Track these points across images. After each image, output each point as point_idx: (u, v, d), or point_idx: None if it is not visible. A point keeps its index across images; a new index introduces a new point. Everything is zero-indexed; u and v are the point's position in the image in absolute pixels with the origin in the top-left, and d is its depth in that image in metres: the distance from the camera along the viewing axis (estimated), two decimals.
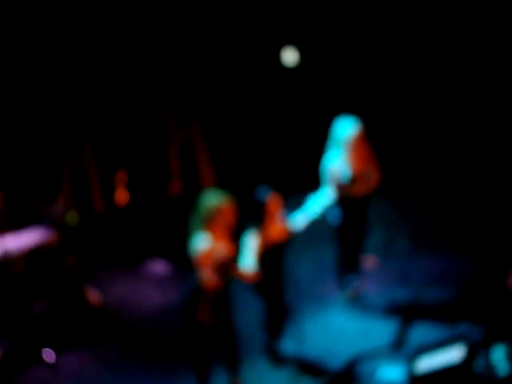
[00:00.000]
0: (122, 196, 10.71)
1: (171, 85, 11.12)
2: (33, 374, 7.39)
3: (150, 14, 10.65)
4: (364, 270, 8.30)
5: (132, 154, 10.93)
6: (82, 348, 7.73)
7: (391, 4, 11.25)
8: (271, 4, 11.24)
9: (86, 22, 10.27)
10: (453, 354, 6.13)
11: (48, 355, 7.48)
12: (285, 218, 6.99)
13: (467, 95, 11.19)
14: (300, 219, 7.14)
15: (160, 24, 10.73)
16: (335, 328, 7.58)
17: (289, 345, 7.19)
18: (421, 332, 7.21)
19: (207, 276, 6.00)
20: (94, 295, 8.37)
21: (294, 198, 7.67)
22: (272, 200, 6.83)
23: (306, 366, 7.01)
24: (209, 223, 6.03)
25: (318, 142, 8.13)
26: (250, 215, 6.83)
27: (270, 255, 6.84)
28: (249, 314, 7.35)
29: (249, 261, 6.45)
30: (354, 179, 7.62)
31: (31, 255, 7.96)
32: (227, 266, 6.05)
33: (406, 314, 7.49)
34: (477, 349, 6.21)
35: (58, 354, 7.53)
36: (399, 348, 7.01)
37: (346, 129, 7.62)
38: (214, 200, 6.09)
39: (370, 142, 7.84)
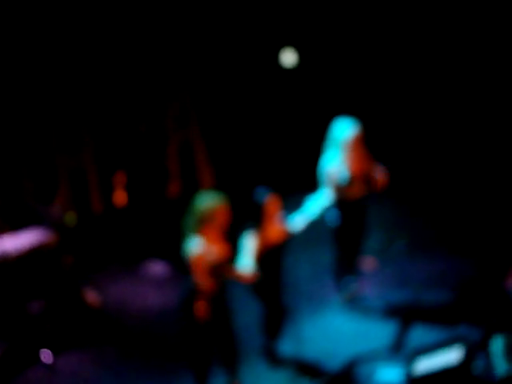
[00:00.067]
0: (120, 197, 10.70)
1: (170, 85, 11.12)
2: (31, 374, 7.38)
3: (149, 14, 10.65)
4: (363, 271, 8.30)
5: (131, 154, 10.93)
6: (80, 349, 7.72)
7: (390, 5, 11.26)
8: (270, 5, 11.25)
9: (85, 23, 10.27)
10: (451, 356, 6.13)
11: (46, 356, 7.47)
12: (283, 220, 6.99)
13: (466, 97, 11.19)
14: (298, 220, 7.14)
15: (159, 25, 10.73)
16: (333, 329, 7.58)
17: (287, 346, 7.19)
18: (419, 333, 7.20)
19: (201, 279, 6.01)
20: (92, 296, 8.36)
21: (292, 200, 7.66)
22: (271, 201, 6.83)
23: (305, 368, 7.01)
24: (203, 225, 6.04)
25: (317, 144, 8.12)
26: (248, 216, 6.83)
27: (269, 256, 6.84)
28: (247, 315, 7.34)
29: (247, 262, 6.45)
30: (352, 181, 7.62)
31: (29, 256, 7.96)
32: (221, 269, 6.05)
33: (404, 315, 7.48)
34: (475, 350, 6.21)
35: (56, 354, 7.52)
36: (398, 349, 7.01)
37: (344, 130, 7.62)
38: (208, 201, 6.09)
39: (369, 143, 7.84)
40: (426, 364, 6.14)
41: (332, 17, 11.42)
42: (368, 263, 8.53)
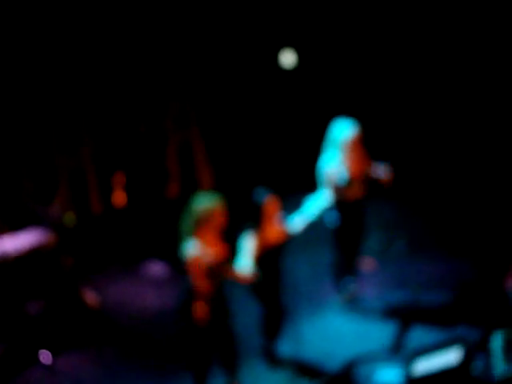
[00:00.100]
0: (119, 197, 10.70)
1: (170, 86, 11.12)
2: (30, 375, 7.38)
3: (148, 15, 10.65)
4: (362, 272, 8.30)
5: (130, 155, 10.93)
6: (79, 349, 7.72)
7: (389, 7, 11.26)
8: (269, 6, 11.25)
9: (84, 24, 10.27)
10: (450, 357, 6.13)
11: (45, 357, 7.47)
12: (283, 220, 6.99)
13: (466, 99, 11.19)
14: (298, 221, 7.14)
15: (159, 26, 10.73)
16: (333, 330, 7.58)
17: (286, 347, 7.19)
18: (418, 334, 7.21)
19: (198, 281, 6.02)
20: (91, 297, 8.36)
21: (291, 200, 7.66)
22: (270, 202, 6.83)
23: (304, 368, 7.00)
24: (200, 226, 6.04)
25: (316, 144, 8.13)
26: (247, 217, 6.83)
27: (268, 257, 6.84)
28: (246, 316, 7.34)
29: (245, 262, 6.45)
30: (351, 181, 7.62)
31: (29, 256, 7.95)
32: (218, 270, 6.04)
33: (403, 316, 7.48)
34: (474, 351, 6.21)
35: (55, 355, 7.52)
36: (397, 350, 7.01)
37: (343, 131, 7.63)
38: (205, 203, 6.09)
39: (368, 144, 7.84)
40: (425, 365, 6.14)
41: (331, 18, 11.43)
42: (367, 264, 8.53)
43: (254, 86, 11.58)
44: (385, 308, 7.79)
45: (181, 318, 6.21)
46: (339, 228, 7.80)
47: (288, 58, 11.38)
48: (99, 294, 8.53)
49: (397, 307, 7.74)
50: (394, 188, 8.00)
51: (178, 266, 6.28)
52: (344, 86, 11.64)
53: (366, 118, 8.63)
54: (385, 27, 11.35)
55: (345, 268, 7.97)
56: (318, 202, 7.43)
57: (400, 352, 6.95)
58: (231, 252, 6.48)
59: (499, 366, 6.06)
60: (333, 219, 7.76)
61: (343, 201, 7.70)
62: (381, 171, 7.81)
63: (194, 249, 6.00)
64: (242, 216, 6.88)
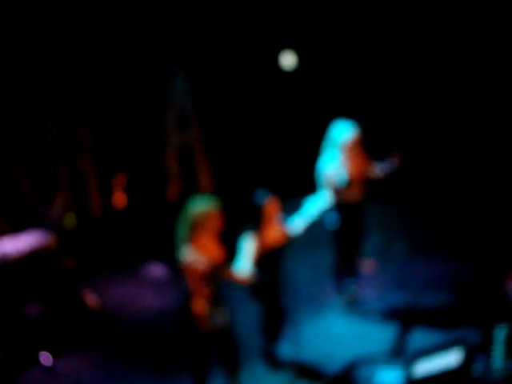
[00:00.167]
0: (120, 199, 10.70)
1: (170, 87, 11.13)
2: (30, 377, 7.37)
3: (149, 17, 10.65)
4: (362, 274, 8.30)
5: (130, 157, 10.93)
6: (79, 351, 7.72)
7: (389, 9, 11.26)
8: (270, 8, 11.25)
9: (84, 25, 10.27)
10: (451, 358, 6.13)
11: (45, 358, 7.47)
12: (283, 222, 6.99)
13: (465, 100, 11.20)
14: (298, 223, 7.14)
15: (160, 27, 10.73)
16: (333, 332, 7.58)
17: (286, 349, 7.18)
18: (419, 336, 7.21)
19: (194, 285, 6.02)
20: (91, 298, 8.36)
21: (292, 202, 7.66)
22: (270, 203, 6.83)
23: (304, 370, 7.00)
24: (196, 229, 6.03)
25: (316, 146, 8.13)
26: (247, 218, 6.83)
27: (268, 259, 6.84)
28: (247, 317, 7.34)
29: (244, 264, 6.45)
30: (351, 183, 7.62)
31: (29, 258, 7.96)
32: (213, 275, 6.04)
33: (404, 317, 7.48)
34: (475, 353, 6.21)
35: (56, 357, 7.52)
36: (397, 352, 7.01)
37: (342, 132, 7.63)
38: (200, 206, 6.08)
39: (368, 145, 7.85)
40: (426, 366, 6.15)
41: (331, 20, 11.43)
42: (367, 265, 8.53)
43: (254, 88, 11.59)
44: (385, 309, 7.79)
45: (180, 320, 6.20)
46: (339, 230, 7.80)
47: (288, 60, 11.39)
48: (99, 296, 8.53)
49: (397, 309, 7.74)
50: (392, 190, 8.01)
51: (178, 267, 6.28)
52: (344, 87, 11.64)
53: (366, 119, 8.64)
54: (384, 29, 11.36)
55: (345, 270, 7.97)
56: (318, 204, 7.43)
57: (400, 353, 6.95)
58: (231, 254, 6.48)
59: (500, 362, 6.06)
60: (333, 221, 7.77)
61: (343, 202, 7.70)
62: (381, 169, 7.81)
63: (189, 254, 6.00)
64: (242, 218, 6.89)
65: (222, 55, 11.21)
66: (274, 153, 11.54)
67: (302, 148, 11.01)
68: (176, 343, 7.32)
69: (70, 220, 10.06)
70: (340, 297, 8.03)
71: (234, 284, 6.37)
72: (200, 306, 6.04)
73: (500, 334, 6.14)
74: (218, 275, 6.08)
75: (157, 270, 9.25)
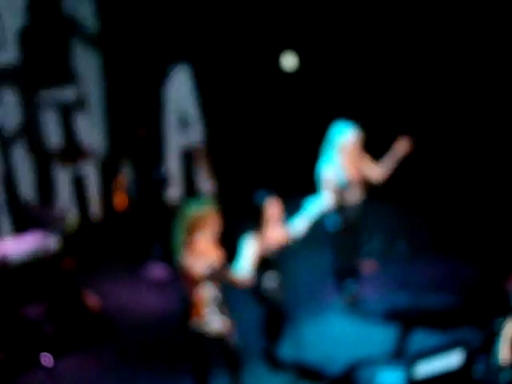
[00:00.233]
0: (121, 201, 10.69)
1: (171, 88, 11.12)
2: (31, 378, 7.38)
3: (149, 18, 10.65)
4: (363, 274, 8.29)
5: (131, 157, 10.91)
6: (80, 352, 7.72)
7: (390, 10, 11.26)
8: (271, 9, 11.25)
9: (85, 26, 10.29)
10: (452, 360, 6.13)
11: (46, 359, 7.47)
12: (284, 223, 6.99)
13: (466, 100, 11.19)
14: (299, 224, 7.14)
15: (160, 28, 10.73)
16: (334, 333, 7.58)
17: (287, 349, 7.18)
18: (420, 337, 7.20)
19: (192, 288, 6.02)
20: (92, 300, 8.36)
21: (293, 203, 7.66)
22: (271, 204, 6.83)
23: (305, 371, 7.00)
24: (193, 232, 6.02)
25: (317, 147, 8.13)
26: (248, 219, 6.83)
27: (269, 260, 6.83)
28: (247, 318, 7.33)
29: (244, 265, 6.43)
30: (351, 184, 7.62)
31: (30, 259, 7.96)
32: (214, 276, 6.02)
33: (405, 318, 7.48)
34: (476, 354, 6.21)
35: (57, 358, 7.51)
36: (398, 353, 7.00)
37: (343, 134, 7.63)
38: (196, 209, 6.07)
39: (369, 146, 7.85)
40: (427, 368, 6.14)
41: (332, 21, 11.43)
42: (368, 266, 8.53)
43: (255, 89, 11.58)
44: (386, 310, 7.78)
45: (181, 321, 6.20)
46: (339, 231, 7.79)
47: (289, 61, 11.39)
48: (100, 297, 8.52)
49: (398, 310, 7.73)
50: (393, 191, 8.00)
51: (178, 269, 6.27)
52: (344, 89, 11.63)
53: (366, 121, 8.64)
54: (386, 31, 11.35)
55: (346, 270, 7.96)
56: (318, 205, 7.42)
57: (402, 355, 6.94)
58: (231, 255, 6.48)
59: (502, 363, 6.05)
60: (333, 222, 7.76)
61: (343, 204, 7.70)
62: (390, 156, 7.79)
63: (186, 258, 5.99)
64: (243, 219, 6.89)
65: (223, 56, 11.21)
66: (275, 154, 11.53)
67: (302, 149, 11.00)
68: (177, 344, 7.32)
69: (71, 221, 10.06)
70: (341, 298, 8.02)
71: (235, 286, 6.36)
72: (199, 308, 6.04)
73: (502, 334, 6.14)
74: (217, 278, 6.07)
75: (158, 271, 9.25)
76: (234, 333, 6.34)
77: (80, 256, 9.12)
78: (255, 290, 6.90)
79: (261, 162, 11.45)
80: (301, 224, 7.09)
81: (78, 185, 10.56)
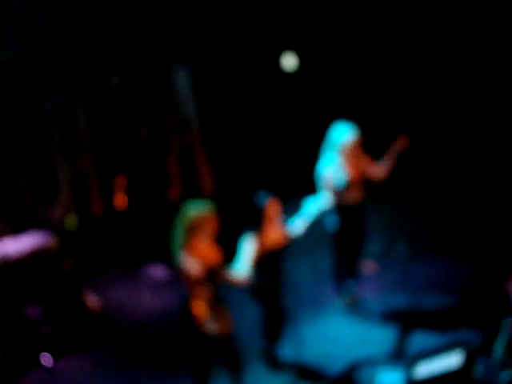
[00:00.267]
0: (121, 200, 10.70)
1: (171, 88, 11.13)
2: (31, 378, 7.38)
3: (149, 19, 10.66)
4: (363, 275, 8.30)
5: (131, 158, 10.93)
6: (80, 352, 7.72)
7: (390, 11, 11.27)
8: (271, 10, 11.26)
9: (85, 26, 10.28)
10: (452, 360, 6.13)
11: (46, 359, 7.47)
12: (283, 223, 6.99)
13: (465, 101, 11.20)
14: (298, 224, 7.14)
15: (161, 29, 10.74)
16: (334, 333, 7.58)
17: (287, 350, 7.18)
18: (420, 337, 7.20)
19: (191, 289, 6.03)
20: (92, 299, 8.36)
21: (292, 203, 7.66)
22: (271, 205, 6.83)
23: (305, 372, 7.00)
24: (192, 234, 6.03)
25: (316, 147, 8.13)
26: (248, 220, 6.83)
27: (269, 260, 6.84)
28: (247, 319, 7.34)
29: (242, 266, 6.44)
30: (350, 185, 7.62)
31: (30, 259, 7.96)
32: (209, 279, 6.03)
33: (404, 319, 7.48)
34: (476, 355, 6.21)
35: (56, 358, 7.52)
36: (398, 353, 7.00)
37: (342, 134, 7.63)
38: (195, 210, 6.08)
39: (368, 147, 7.85)
40: (427, 368, 6.14)
41: (332, 22, 11.44)
42: (368, 267, 8.53)
43: (256, 89, 11.59)
44: (386, 311, 7.79)
45: (181, 322, 6.20)
46: (339, 231, 7.80)
47: (289, 62, 11.39)
48: (100, 297, 8.53)
49: (398, 310, 7.73)
50: (393, 191, 8.00)
51: (178, 269, 6.28)
52: (344, 89, 11.64)
53: (366, 121, 8.64)
54: (385, 31, 11.36)
55: (346, 271, 7.96)
56: (317, 205, 7.41)
57: (401, 355, 6.94)
58: (231, 255, 6.48)
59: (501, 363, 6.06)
60: (333, 223, 7.76)
61: (343, 204, 7.70)
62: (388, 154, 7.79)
63: (185, 259, 6.00)
64: (242, 219, 6.89)
65: (224, 57, 11.22)
66: (275, 154, 11.54)
67: (302, 150, 11.01)
68: (177, 344, 7.32)
69: (71, 221, 10.06)
70: (341, 298, 8.02)
71: (233, 286, 6.36)
72: (199, 308, 6.05)
73: (502, 335, 6.14)
74: (215, 278, 6.08)
75: (158, 271, 9.25)
76: (233, 333, 6.34)
77: (80, 256, 9.12)
78: (255, 290, 6.90)
79: (260, 162, 11.45)
80: (300, 224, 7.10)
81: (79, 183, 10.57)
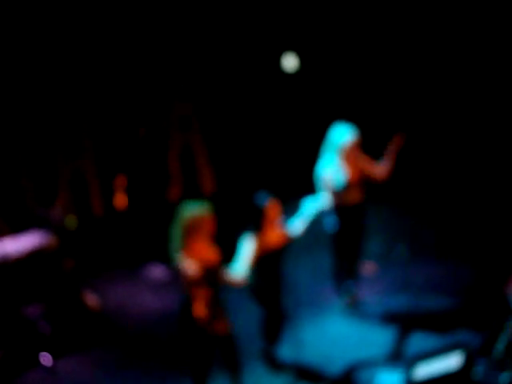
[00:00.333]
0: (121, 200, 10.70)
1: (171, 89, 11.13)
2: (30, 377, 7.38)
3: (150, 19, 10.66)
4: (362, 276, 8.30)
5: (131, 158, 10.93)
6: (79, 352, 7.72)
7: (390, 12, 11.27)
8: (272, 10, 11.26)
9: (86, 25, 10.28)
10: (451, 361, 6.13)
11: (45, 359, 7.47)
12: (283, 224, 6.99)
13: (465, 102, 11.20)
14: (298, 225, 7.14)
15: (161, 29, 10.74)
16: (333, 334, 7.58)
17: (286, 351, 7.18)
18: (419, 339, 7.20)
19: (190, 289, 6.03)
20: (92, 299, 8.36)
21: (292, 204, 7.66)
22: (271, 205, 6.83)
23: (304, 373, 7.00)
24: (189, 234, 6.03)
25: (316, 148, 8.13)
26: (248, 220, 6.83)
27: (268, 260, 6.84)
28: (247, 319, 7.34)
29: (240, 266, 6.43)
30: (350, 186, 7.62)
31: (30, 259, 7.96)
32: (208, 279, 6.03)
33: (404, 320, 7.48)
34: (475, 356, 6.21)
35: (56, 357, 7.52)
36: (397, 355, 7.01)
37: (342, 135, 7.63)
38: (192, 211, 6.08)
39: (368, 148, 7.85)
40: (426, 369, 6.14)
41: (333, 23, 11.44)
42: (368, 268, 8.53)
43: (256, 90, 11.59)
44: (385, 312, 7.79)
45: (181, 322, 6.21)
46: (339, 232, 7.79)
47: (290, 62, 11.40)
48: (100, 297, 8.53)
49: (398, 311, 7.73)
50: (393, 192, 7.99)
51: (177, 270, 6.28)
52: (344, 90, 11.64)
53: (366, 122, 8.64)
54: (386, 32, 11.37)
55: (345, 272, 7.96)
56: (317, 205, 7.41)
57: (401, 356, 6.95)
58: (231, 256, 6.48)
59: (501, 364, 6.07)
60: (332, 223, 7.76)
61: (342, 205, 7.70)
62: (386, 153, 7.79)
63: (182, 260, 6.00)
64: (242, 219, 6.89)
65: (224, 57, 11.22)
66: (275, 155, 11.54)
67: (302, 150, 11.01)
68: (176, 344, 7.32)
69: (71, 221, 10.07)
70: (340, 299, 8.02)
71: (231, 286, 6.36)
72: (199, 308, 6.05)
73: (501, 337, 6.15)
74: (213, 279, 6.08)
75: (158, 271, 9.25)
76: (233, 333, 6.35)
77: (80, 255, 9.12)
78: (254, 290, 6.90)
79: (261, 162, 11.46)
80: (299, 225, 7.10)
81: (79, 183, 10.58)
